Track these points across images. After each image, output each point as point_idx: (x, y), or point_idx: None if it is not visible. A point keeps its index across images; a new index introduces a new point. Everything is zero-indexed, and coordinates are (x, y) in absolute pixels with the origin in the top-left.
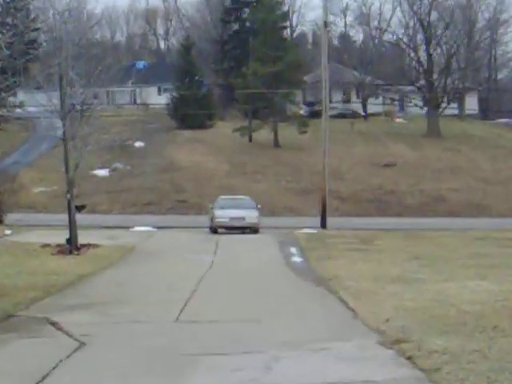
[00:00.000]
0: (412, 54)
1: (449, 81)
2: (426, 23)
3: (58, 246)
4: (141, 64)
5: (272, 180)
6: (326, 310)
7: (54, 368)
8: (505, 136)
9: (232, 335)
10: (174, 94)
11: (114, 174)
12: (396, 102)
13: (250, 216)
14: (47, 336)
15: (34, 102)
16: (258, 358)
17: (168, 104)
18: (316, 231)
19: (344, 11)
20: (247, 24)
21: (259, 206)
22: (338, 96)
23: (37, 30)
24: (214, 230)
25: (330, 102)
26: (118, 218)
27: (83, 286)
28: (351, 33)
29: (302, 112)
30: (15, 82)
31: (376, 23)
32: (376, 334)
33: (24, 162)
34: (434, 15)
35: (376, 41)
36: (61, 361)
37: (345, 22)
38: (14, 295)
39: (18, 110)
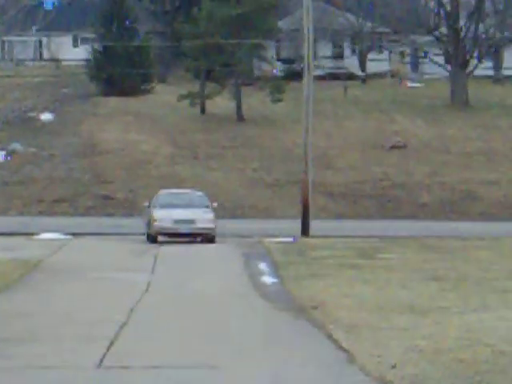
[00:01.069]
0: None
1: (481, 28)
2: None
3: None
4: (49, 3)
5: (233, 168)
6: (309, 352)
7: None
8: None
9: None
10: (96, 45)
11: (12, 160)
12: (407, 59)
13: (203, 218)
14: None
15: None
16: None
17: (88, 60)
18: (294, 240)
19: None
20: None
21: (215, 205)
22: (326, 50)
23: None
24: (152, 238)
25: (315, 58)
26: (16, 220)
27: None
28: None
29: (275, 72)
30: None
31: None
32: None
33: None
34: None
35: None
36: None
37: None
38: None
39: None
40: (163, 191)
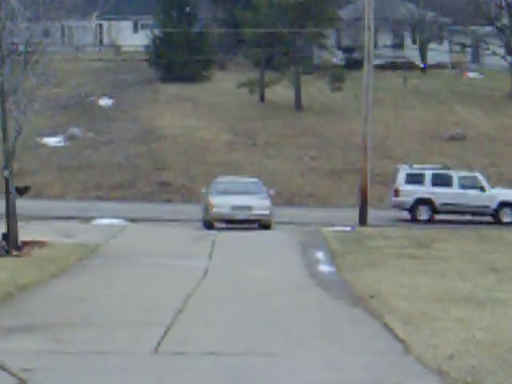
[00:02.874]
0: None
1: None
2: None
3: None
4: None
5: (291, 156)
6: (365, 341)
7: None
8: None
9: (235, 373)
10: (156, 32)
11: (71, 144)
12: (468, 50)
13: (260, 205)
14: None
15: None
16: None
17: (147, 46)
18: (352, 229)
19: None
20: None
21: (272, 192)
22: (386, 39)
23: None
24: (209, 225)
25: (375, 47)
26: (74, 205)
27: (25, 300)
28: None
29: (335, 60)
30: None
31: None
32: (436, 377)
33: None
34: None
35: None
36: None
37: None
38: None
39: None
40: (221, 178)
